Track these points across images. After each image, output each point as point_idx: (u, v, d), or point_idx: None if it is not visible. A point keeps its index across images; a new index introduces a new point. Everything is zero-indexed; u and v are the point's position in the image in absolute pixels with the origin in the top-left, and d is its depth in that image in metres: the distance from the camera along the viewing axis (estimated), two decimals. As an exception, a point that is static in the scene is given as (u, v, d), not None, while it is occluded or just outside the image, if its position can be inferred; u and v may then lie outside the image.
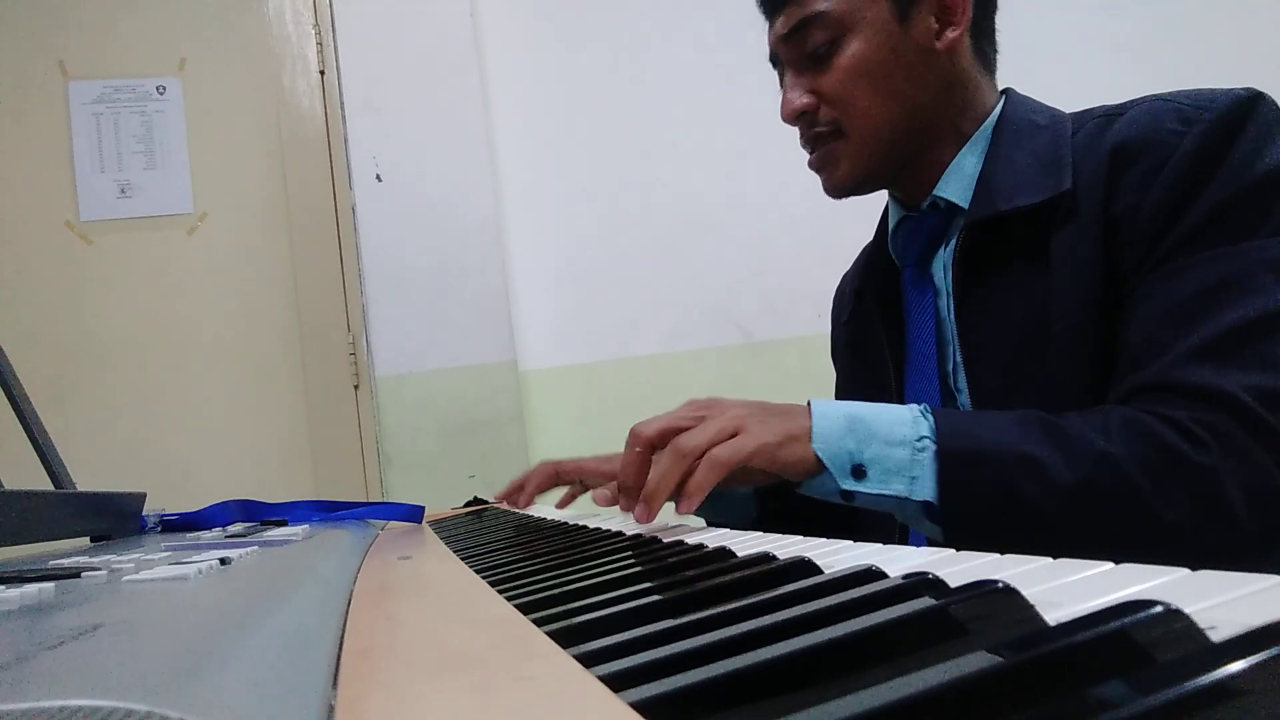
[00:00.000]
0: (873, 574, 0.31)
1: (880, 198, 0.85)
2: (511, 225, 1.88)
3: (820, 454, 0.59)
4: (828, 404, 0.62)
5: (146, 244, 1.81)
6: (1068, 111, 0.74)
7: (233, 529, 0.76)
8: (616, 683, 0.20)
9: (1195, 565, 0.26)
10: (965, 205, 0.74)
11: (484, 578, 0.43)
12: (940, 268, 0.77)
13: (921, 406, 0.61)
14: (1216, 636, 0.20)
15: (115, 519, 0.79)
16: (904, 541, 0.72)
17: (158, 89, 1.84)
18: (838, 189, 0.79)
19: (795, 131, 0.79)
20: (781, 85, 0.79)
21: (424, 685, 0.21)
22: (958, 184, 0.75)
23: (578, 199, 1.91)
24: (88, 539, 0.76)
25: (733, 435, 0.59)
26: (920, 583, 0.28)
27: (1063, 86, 0.97)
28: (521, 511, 1.01)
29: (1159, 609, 0.22)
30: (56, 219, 1.78)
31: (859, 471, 0.58)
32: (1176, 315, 0.59)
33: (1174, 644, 0.21)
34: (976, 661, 0.20)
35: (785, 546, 0.43)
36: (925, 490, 0.57)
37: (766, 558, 0.39)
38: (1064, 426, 0.57)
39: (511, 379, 1.80)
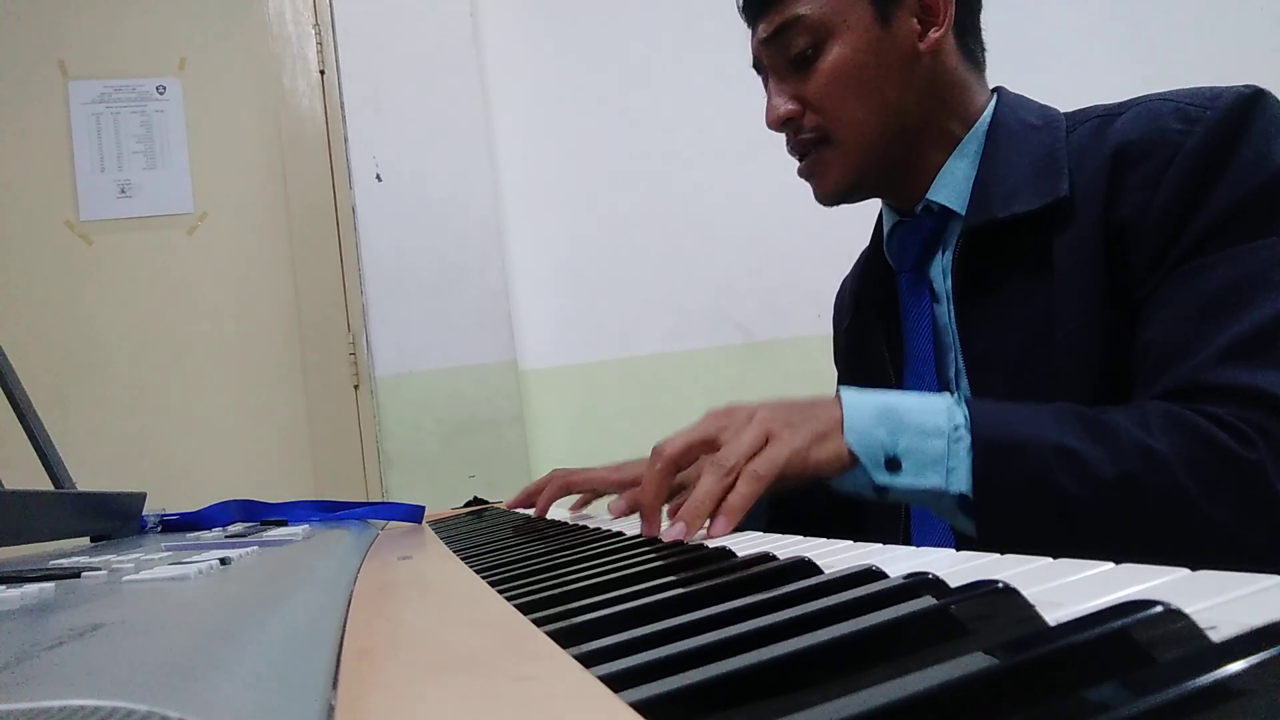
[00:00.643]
0: (873, 574, 0.31)
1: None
2: (511, 225, 1.88)
3: (853, 446, 0.57)
4: (858, 393, 0.60)
5: (146, 244, 1.81)
6: (1062, 110, 0.73)
7: (233, 529, 0.76)
8: (616, 683, 0.20)
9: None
10: (960, 210, 0.73)
11: (484, 578, 0.43)
12: (938, 273, 0.76)
13: (955, 395, 0.59)
14: (1216, 636, 0.20)
15: (115, 519, 0.79)
16: (908, 544, 0.71)
17: (158, 89, 1.84)
18: (828, 197, 0.78)
19: None
20: (766, 91, 0.78)
21: (424, 685, 0.21)
22: (950, 188, 0.74)
23: (578, 199, 1.91)
24: (88, 539, 0.76)
25: (764, 445, 0.57)
26: (920, 583, 0.28)
27: (1060, 85, 0.97)
28: (521, 511, 1.01)
29: (1159, 609, 0.22)
30: (56, 219, 1.78)
31: (893, 464, 0.57)
32: (1201, 316, 0.58)
33: (1174, 644, 0.21)
34: (976, 661, 0.20)
35: (785, 546, 0.43)
36: (962, 482, 0.56)
37: (766, 558, 0.39)
38: (1104, 420, 0.56)
39: (511, 379, 1.80)
